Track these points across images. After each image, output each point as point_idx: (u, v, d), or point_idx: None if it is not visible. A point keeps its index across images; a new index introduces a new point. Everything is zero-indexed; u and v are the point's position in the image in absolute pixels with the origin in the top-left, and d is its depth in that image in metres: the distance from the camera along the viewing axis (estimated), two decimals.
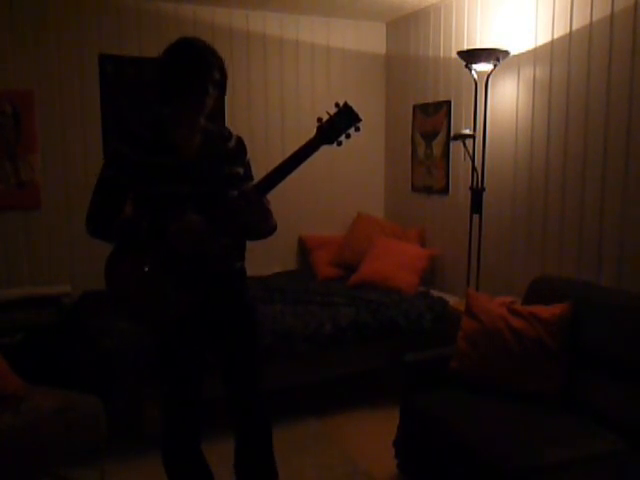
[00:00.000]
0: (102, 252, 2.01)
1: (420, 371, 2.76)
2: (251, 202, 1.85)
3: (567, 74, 3.13)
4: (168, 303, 1.94)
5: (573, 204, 3.15)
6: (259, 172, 2.00)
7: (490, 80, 3.51)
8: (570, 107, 3.12)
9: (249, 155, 2.13)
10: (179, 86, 1.89)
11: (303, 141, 1.85)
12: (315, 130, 1.83)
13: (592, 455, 2.12)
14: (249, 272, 2.18)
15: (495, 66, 3.36)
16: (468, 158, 3.58)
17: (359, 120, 1.82)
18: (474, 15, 3.76)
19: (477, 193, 3.53)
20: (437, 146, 4.17)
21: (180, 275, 1.92)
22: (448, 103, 4.03)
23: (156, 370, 2.13)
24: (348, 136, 1.84)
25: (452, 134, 3.85)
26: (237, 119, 4.23)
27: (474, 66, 3.40)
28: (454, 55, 3.71)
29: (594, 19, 2.95)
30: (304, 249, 4.60)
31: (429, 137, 4.25)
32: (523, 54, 3.39)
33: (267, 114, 4.42)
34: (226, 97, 2.38)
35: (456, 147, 3.90)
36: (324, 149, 1.86)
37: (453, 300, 3.75)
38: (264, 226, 2.06)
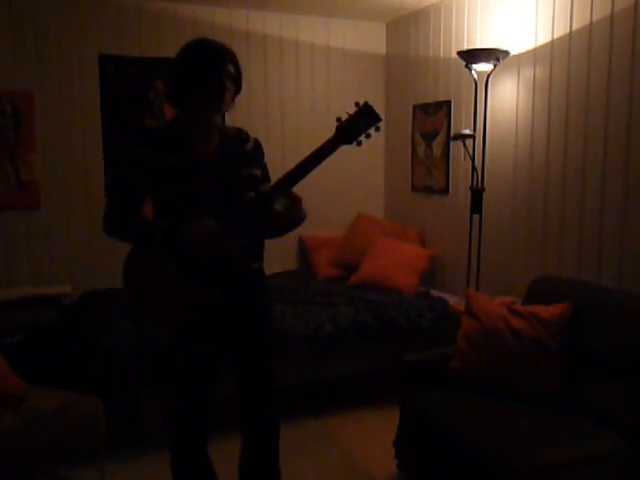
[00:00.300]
0: (102, 252, 2.02)
1: (420, 371, 2.76)
2: (269, 203, 1.84)
3: (567, 74, 3.13)
4: (187, 304, 1.92)
5: (573, 204, 3.15)
6: None
7: (490, 80, 3.51)
8: (570, 107, 3.13)
9: (266, 157, 2.12)
10: (196, 83, 1.87)
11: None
12: (334, 130, 1.79)
13: (592, 455, 2.11)
14: None
15: (495, 66, 3.36)
16: (468, 158, 3.58)
17: (379, 120, 1.78)
18: (474, 15, 3.76)
19: (477, 193, 3.54)
20: (437, 146, 4.17)
21: (197, 276, 1.90)
22: (448, 103, 4.03)
23: (163, 371, 2.11)
24: (368, 136, 1.80)
25: (452, 134, 3.85)
26: (237, 119, 4.22)
27: (474, 66, 3.41)
28: (454, 55, 3.71)
29: (594, 19, 2.95)
30: (304, 249, 4.60)
31: (429, 137, 4.25)
32: (523, 54, 3.39)
33: (267, 114, 4.41)
34: None
35: (456, 147, 3.90)
36: None
37: (453, 300, 3.75)
38: (291, 222, 2.03)
